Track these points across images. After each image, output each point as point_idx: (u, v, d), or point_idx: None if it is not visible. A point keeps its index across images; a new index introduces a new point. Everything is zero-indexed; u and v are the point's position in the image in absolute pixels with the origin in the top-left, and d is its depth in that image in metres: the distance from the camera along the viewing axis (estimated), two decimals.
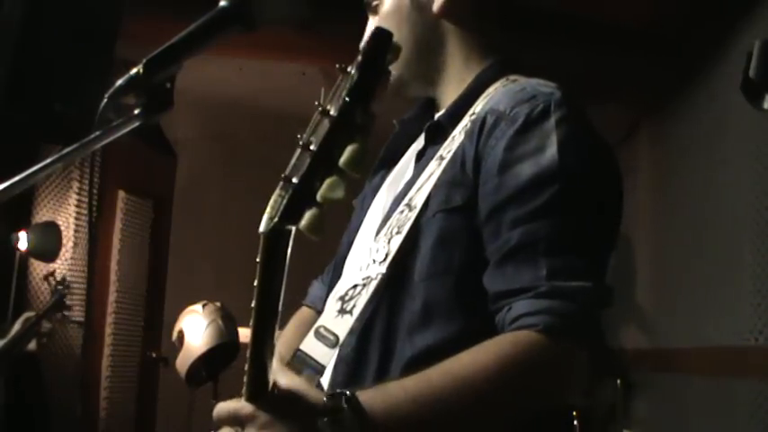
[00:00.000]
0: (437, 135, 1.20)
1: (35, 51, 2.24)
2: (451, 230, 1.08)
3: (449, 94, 1.26)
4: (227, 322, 3.59)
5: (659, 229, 4.51)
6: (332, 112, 0.73)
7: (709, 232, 3.61)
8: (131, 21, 2.58)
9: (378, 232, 1.16)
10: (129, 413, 4.62)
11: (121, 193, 4.62)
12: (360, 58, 0.78)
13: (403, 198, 1.16)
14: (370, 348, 1.10)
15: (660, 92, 4.31)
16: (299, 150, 0.79)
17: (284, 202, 0.77)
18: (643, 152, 4.95)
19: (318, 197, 0.73)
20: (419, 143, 1.28)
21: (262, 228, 0.80)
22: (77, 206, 4.11)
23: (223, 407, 0.95)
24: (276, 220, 0.78)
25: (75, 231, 4.10)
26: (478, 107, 1.16)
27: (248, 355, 0.90)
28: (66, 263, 4.04)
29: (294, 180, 0.76)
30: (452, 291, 1.06)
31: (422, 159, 1.22)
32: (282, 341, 1.43)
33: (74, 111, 2.25)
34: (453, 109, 1.21)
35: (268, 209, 0.80)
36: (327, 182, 0.73)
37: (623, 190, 1.14)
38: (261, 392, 0.90)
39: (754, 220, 3.10)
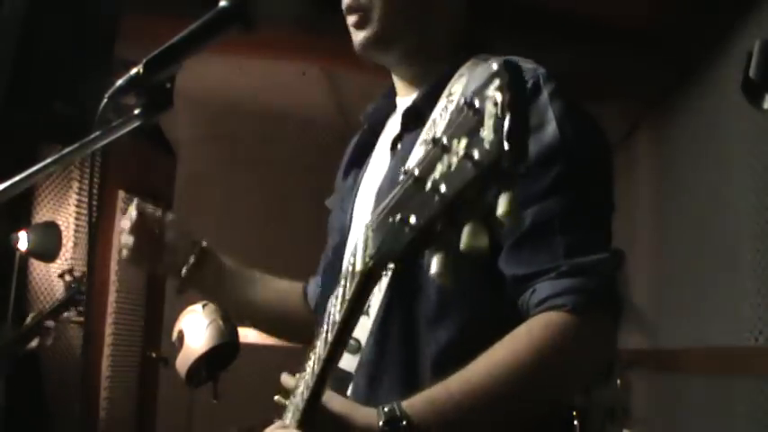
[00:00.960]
0: (415, 120, 1.17)
1: (35, 51, 2.24)
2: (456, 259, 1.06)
3: (419, 73, 1.22)
4: (227, 322, 3.59)
5: (659, 228, 4.51)
6: (476, 156, 0.57)
7: (708, 232, 3.61)
8: (131, 21, 2.58)
9: None
10: (129, 413, 4.62)
11: (121, 193, 4.62)
12: (505, 95, 0.58)
13: (385, 192, 1.10)
14: (390, 348, 1.08)
15: (660, 92, 4.31)
16: (407, 181, 0.67)
17: (401, 243, 0.66)
18: (643, 152, 4.94)
19: (463, 246, 0.61)
20: (392, 131, 1.25)
21: (360, 266, 0.75)
22: (77, 206, 4.11)
23: None
24: (393, 263, 0.70)
25: (75, 231, 4.10)
26: (454, 86, 1.14)
27: (311, 383, 0.89)
28: (66, 263, 4.04)
29: (412, 220, 0.64)
30: (467, 277, 1.05)
31: (399, 147, 1.18)
32: (282, 286, 1.51)
33: (74, 111, 2.25)
34: (430, 90, 1.17)
35: (365, 243, 0.74)
36: (470, 228, 0.60)
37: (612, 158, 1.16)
38: (312, 417, 0.88)
39: (754, 220, 3.09)
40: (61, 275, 3.64)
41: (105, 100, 0.93)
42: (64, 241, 3.72)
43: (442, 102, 1.13)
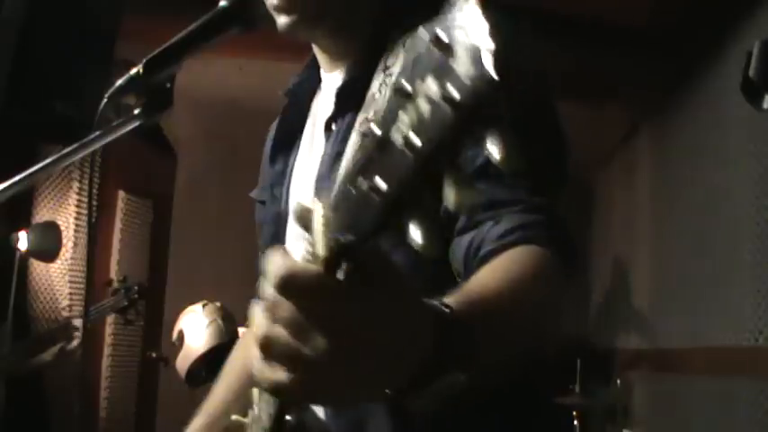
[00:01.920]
0: (349, 99, 1.07)
1: (35, 51, 2.24)
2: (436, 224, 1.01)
3: (345, 46, 1.14)
4: (227, 322, 3.59)
5: (659, 228, 4.51)
6: (453, 95, 0.47)
7: (709, 232, 3.61)
8: (131, 21, 2.58)
9: None
10: (129, 413, 4.62)
11: (121, 193, 4.62)
12: (478, 22, 0.48)
13: (324, 184, 1.06)
14: None
15: (660, 92, 4.31)
16: (367, 142, 0.56)
17: (372, 214, 0.54)
18: (643, 152, 4.94)
19: (452, 205, 0.51)
20: (323, 111, 1.16)
21: (323, 251, 0.58)
22: (77, 206, 4.11)
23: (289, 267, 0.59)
24: (351, 235, 0.56)
25: (75, 231, 4.10)
26: (390, 60, 1.08)
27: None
28: (66, 263, 4.04)
29: (382, 186, 0.52)
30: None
31: (334, 128, 1.11)
32: (231, 358, 1.38)
33: (74, 111, 2.25)
34: (361, 65, 1.09)
35: (326, 225, 0.59)
36: (452, 182, 0.50)
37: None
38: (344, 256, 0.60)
39: (754, 220, 3.09)
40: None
41: (105, 100, 0.93)
42: (64, 241, 3.72)
43: (379, 77, 1.09)
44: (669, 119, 4.36)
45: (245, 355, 1.37)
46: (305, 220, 0.62)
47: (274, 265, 0.58)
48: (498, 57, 0.46)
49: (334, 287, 0.58)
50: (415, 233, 0.51)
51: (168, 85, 0.93)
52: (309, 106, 1.23)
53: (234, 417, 1.15)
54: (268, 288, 0.58)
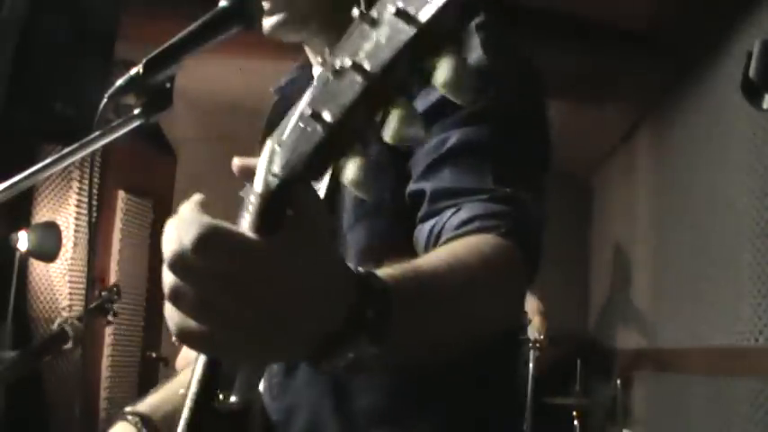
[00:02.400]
0: None
1: (35, 51, 2.24)
2: (374, 166, 0.96)
3: (334, 41, 1.13)
4: None
5: (659, 228, 4.51)
6: (411, 13, 0.47)
7: (708, 232, 3.61)
8: (131, 21, 2.58)
9: None
10: None
11: (121, 193, 4.62)
12: None
13: None
14: None
15: (660, 92, 4.31)
16: (326, 76, 0.53)
17: (309, 147, 0.52)
18: (643, 152, 4.95)
19: (389, 137, 0.49)
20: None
21: (260, 187, 0.56)
22: (77, 206, 4.11)
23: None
24: (286, 172, 0.54)
25: (75, 231, 4.10)
26: None
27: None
28: (66, 263, 4.04)
29: (326, 117, 0.51)
30: (385, 233, 0.97)
31: None
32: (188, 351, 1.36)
33: (74, 111, 2.25)
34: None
35: (269, 160, 0.56)
36: (398, 115, 0.49)
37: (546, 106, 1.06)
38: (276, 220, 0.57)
39: (754, 220, 3.09)
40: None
41: (105, 100, 0.93)
42: (64, 241, 3.73)
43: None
44: (669, 119, 4.36)
45: None
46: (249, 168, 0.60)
47: (194, 219, 0.55)
48: None
49: (257, 247, 0.55)
50: (350, 170, 0.50)
51: (168, 85, 0.93)
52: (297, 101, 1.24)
53: (181, 390, 1.14)
54: (184, 237, 0.54)
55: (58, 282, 4.05)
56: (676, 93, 4.11)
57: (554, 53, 3.66)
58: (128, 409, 1.25)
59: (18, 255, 3.44)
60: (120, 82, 0.93)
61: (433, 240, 0.88)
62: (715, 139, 3.60)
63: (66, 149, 0.91)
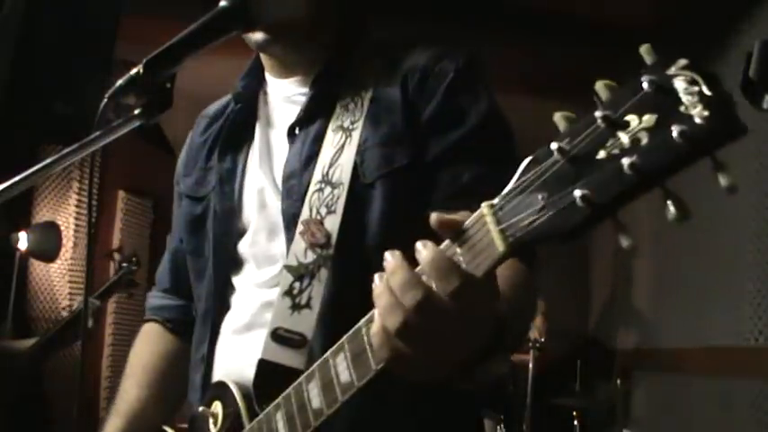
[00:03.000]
0: (319, 108, 1.15)
1: (35, 51, 2.24)
2: (399, 191, 1.08)
3: (305, 58, 1.19)
4: None
5: (659, 228, 4.51)
6: (686, 131, 0.57)
7: (709, 232, 3.61)
8: (131, 21, 2.58)
9: (288, 227, 1.12)
10: None
11: (121, 193, 4.62)
12: (698, 71, 0.62)
13: (294, 182, 1.12)
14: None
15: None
16: (557, 161, 0.65)
17: (575, 220, 0.63)
18: None
19: (670, 218, 0.61)
20: (279, 117, 1.22)
21: (501, 247, 0.69)
22: (77, 206, 4.11)
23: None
24: (527, 238, 0.67)
25: (75, 231, 4.10)
26: (362, 79, 1.15)
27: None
28: (66, 263, 4.04)
29: (592, 196, 0.62)
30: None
31: (299, 133, 1.16)
32: (136, 356, 1.40)
33: (74, 111, 2.25)
34: (330, 80, 1.16)
35: (496, 221, 0.69)
36: (674, 202, 0.60)
37: None
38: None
39: (754, 220, 3.10)
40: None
41: (105, 100, 0.93)
42: (64, 241, 3.73)
43: (349, 92, 1.15)
44: None
45: (152, 350, 1.39)
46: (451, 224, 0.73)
47: (452, 269, 0.71)
48: (731, 105, 0.58)
49: (484, 283, 0.71)
50: (624, 240, 0.63)
51: (168, 85, 0.93)
52: (255, 109, 1.27)
53: (201, 408, 1.15)
54: (442, 285, 0.71)
55: (57, 282, 4.05)
56: None
57: (555, 53, 3.67)
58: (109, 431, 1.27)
59: (18, 255, 3.44)
60: (120, 82, 0.92)
61: None
62: None
63: (66, 149, 0.91)
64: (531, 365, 4.05)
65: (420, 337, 0.71)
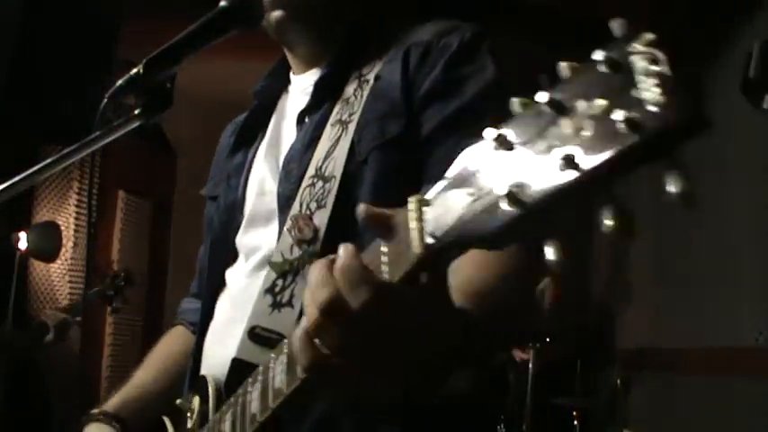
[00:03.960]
0: (327, 92, 1.15)
1: (35, 52, 2.24)
2: (391, 166, 1.03)
3: (319, 50, 1.20)
4: None
5: (659, 228, 4.51)
6: (637, 119, 0.46)
7: (709, 232, 3.61)
8: (131, 21, 2.58)
9: (282, 210, 1.10)
10: None
11: (121, 193, 4.62)
12: (662, 50, 0.49)
13: (293, 165, 1.11)
14: None
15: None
16: (493, 151, 0.54)
17: (495, 224, 0.53)
18: None
19: (605, 228, 0.52)
20: (293, 106, 1.22)
21: (417, 248, 0.60)
22: (77, 206, 4.11)
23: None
24: (451, 239, 0.57)
25: (75, 231, 4.10)
26: (365, 69, 1.14)
27: (259, 416, 0.85)
28: (66, 263, 4.04)
29: (523, 197, 0.51)
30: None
31: (307, 120, 1.16)
32: (155, 352, 1.40)
33: (74, 111, 2.25)
34: (340, 66, 1.16)
35: (418, 220, 0.60)
36: (614, 209, 0.51)
37: None
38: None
39: (754, 220, 3.10)
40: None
41: (105, 100, 0.93)
42: (64, 241, 3.73)
43: (354, 82, 1.13)
44: None
45: (171, 349, 1.39)
46: (381, 218, 0.65)
47: (363, 279, 0.63)
48: (693, 91, 0.46)
49: (398, 291, 0.63)
50: (552, 250, 0.52)
51: (168, 85, 0.93)
52: (274, 106, 1.27)
53: (178, 401, 1.15)
54: (352, 296, 0.63)
55: (58, 282, 4.05)
56: None
57: (554, 53, 3.66)
58: (95, 411, 1.26)
59: (18, 255, 3.44)
60: (120, 82, 0.92)
61: None
62: (715, 140, 3.60)
63: (67, 149, 0.91)
64: (531, 365, 4.04)
65: (336, 343, 0.64)
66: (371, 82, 1.11)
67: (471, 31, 1.10)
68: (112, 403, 1.29)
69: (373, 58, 1.14)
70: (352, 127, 1.07)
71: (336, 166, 1.05)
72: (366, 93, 1.10)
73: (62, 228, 3.74)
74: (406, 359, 0.66)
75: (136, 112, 0.91)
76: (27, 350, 3.21)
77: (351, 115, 1.09)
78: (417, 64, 1.08)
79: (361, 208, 0.66)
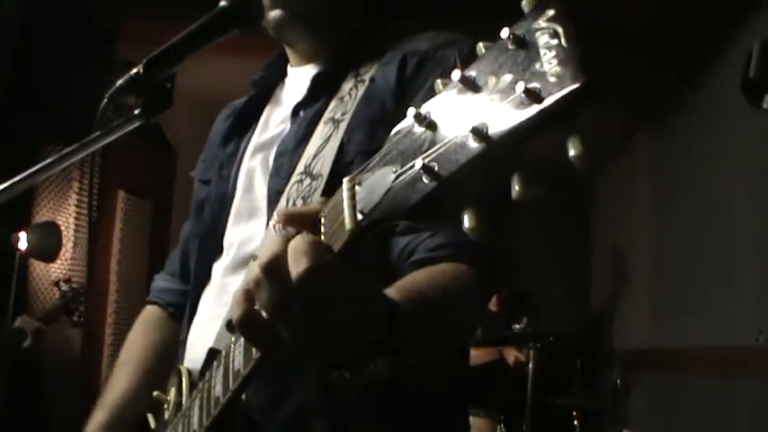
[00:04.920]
0: (324, 87, 1.16)
1: (35, 52, 2.24)
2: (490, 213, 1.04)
3: (319, 45, 1.21)
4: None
5: (659, 228, 4.51)
6: (538, 91, 0.49)
7: (708, 232, 3.61)
8: (131, 21, 2.59)
9: (270, 203, 1.11)
10: None
11: (121, 193, 4.62)
12: (564, 25, 0.50)
13: (284, 160, 1.12)
14: None
15: (660, 93, 4.31)
16: (413, 127, 0.58)
17: (416, 196, 0.57)
18: (643, 152, 4.95)
19: (514, 195, 0.52)
20: (289, 97, 1.23)
21: (349, 223, 0.64)
22: (77, 206, 4.11)
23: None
24: (378, 214, 0.60)
25: (75, 231, 4.10)
26: (363, 69, 1.14)
27: (222, 397, 0.86)
28: (66, 263, 4.04)
29: (437, 169, 0.55)
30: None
31: (302, 114, 1.17)
32: (131, 344, 1.36)
33: (74, 111, 2.25)
34: (338, 62, 1.17)
35: (350, 197, 0.64)
36: (522, 175, 0.51)
37: None
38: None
39: (754, 220, 3.10)
40: (56, 283, 3.70)
41: (105, 100, 0.93)
42: (64, 241, 3.73)
43: (350, 81, 1.14)
44: (669, 119, 4.36)
45: (148, 339, 1.37)
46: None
47: (307, 250, 0.64)
48: (587, 60, 0.49)
49: (336, 265, 0.64)
50: (468, 219, 0.55)
51: (168, 85, 0.93)
52: (270, 96, 1.28)
53: (155, 393, 1.15)
54: (273, 247, 0.65)
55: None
56: (676, 93, 4.11)
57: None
58: (91, 425, 1.26)
59: (18, 255, 3.44)
60: (120, 82, 0.92)
61: (406, 255, 0.99)
62: (715, 139, 3.60)
63: (67, 149, 0.91)
64: (531, 365, 4.05)
65: (270, 301, 0.66)
66: (367, 82, 1.12)
67: (468, 47, 1.09)
68: (99, 422, 1.29)
69: (371, 59, 1.15)
70: (343, 126, 1.08)
71: (325, 164, 1.06)
72: (360, 93, 1.11)
73: (62, 228, 3.74)
74: (329, 334, 0.67)
75: (136, 112, 0.91)
76: (12, 354, 3.23)
77: (343, 114, 1.10)
78: (413, 73, 1.09)
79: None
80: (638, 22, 3.72)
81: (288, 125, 1.19)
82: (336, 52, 1.18)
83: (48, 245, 3.50)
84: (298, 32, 1.20)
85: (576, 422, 4.10)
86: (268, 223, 1.09)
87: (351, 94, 1.12)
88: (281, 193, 1.09)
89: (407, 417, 1.04)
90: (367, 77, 1.12)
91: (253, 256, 1.07)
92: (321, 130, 1.11)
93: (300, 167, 1.09)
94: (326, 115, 1.12)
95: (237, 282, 1.10)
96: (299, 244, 0.65)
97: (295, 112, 1.18)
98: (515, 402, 4.00)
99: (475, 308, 1.01)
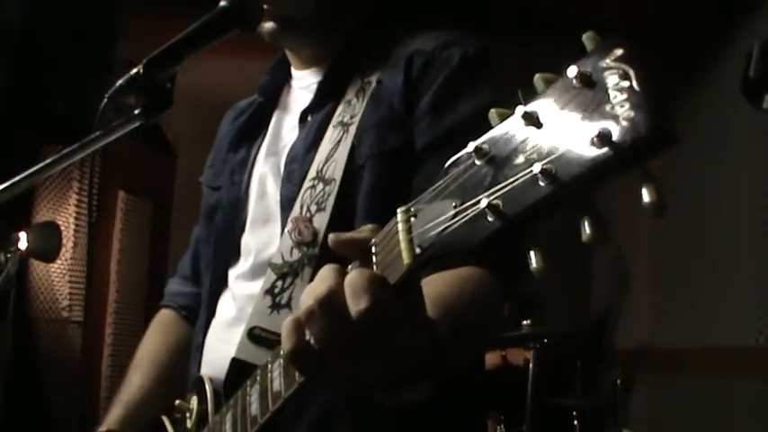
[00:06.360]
0: (330, 92, 1.16)
1: (35, 52, 2.24)
2: (387, 175, 1.04)
3: (321, 50, 1.21)
4: None
5: (659, 228, 4.51)
6: (612, 136, 0.47)
7: (709, 232, 3.61)
8: (131, 21, 2.58)
9: (283, 210, 1.11)
10: None
11: (121, 193, 4.62)
12: (634, 66, 0.50)
13: (295, 166, 1.12)
14: None
15: (660, 93, 4.30)
16: (475, 162, 0.56)
17: (481, 234, 0.55)
18: None
19: (585, 238, 0.51)
20: (296, 103, 1.23)
21: (406, 258, 0.62)
22: (77, 206, 4.11)
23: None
24: (437, 250, 0.59)
25: (75, 231, 4.10)
26: (369, 71, 1.14)
27: (260, 418, 0.86)
28: (66, 263, 4.04)
29: (503, 208, 0.53)
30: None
31: (309, 119, 1.17)
32: (146, 345, 1.37)
33: (74, 111, 2.25)
34: (343, 67, 1.17)
35: (406, 229, 0.62)
36: (590, 219, 0.51)
37: None
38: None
39: (755, 220, 3.10)
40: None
41: (105, 100, 0.93)
42: (64, 241, 3.72)
43: (356, 84, 1.14)
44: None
45: (162, 340, 1.37)
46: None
47: (367, 288, 0.64)
48: (662, 107, 0.48)
49: (394, 302, 0.65)
50: (535, 259, 0.54)
51: (168, 85, 0.93)
52: (277, 101, 1.28)
53: (177, 402, 1.15)
54: (328, 280, 0.65)
55: (57, 282, 4.05)
56: (676, 93, 4.11)
57: (553, 53, 3.66)
58: (102, 429, 1.26)
59: (18, 255, 3.44)
60: (120, 82, 0.92)
61: None
62: (715, 139, 3.60)
63: (67, 149, 0.91)
64: (531, 365, 4.04)
65: (323, 334, 0.66)
66: (373, 85, 1.12)
67: (474, 46, 1.11)
68: (116, 418, 1.28)
69: (376, 62, 1.15)
70: (352, 130, 1.08)
71: (337, 168, 1.06)
72: (367, 96, 1.11)
73: (62, 228, 3.73)
74: (379, 364, 0.68)
75: (136, 112, 0.91)
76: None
77: (352, 117, 1.10)
78: (419, 74, 1.09)
79: (330, 238, 0.70)
80: (639, 22, 3.72)
81: (296, 131, 1.19)
82: (339, 56, 1.18)
83: (48, 245, 3.50)
84: (293, 42, 1.21)
85: (575, 422, 4.09)
86: (282, 230, 1.09)
87: (358, 96, 1.12)
88: (293, 199, 1.10)
89: (430, 423, 1.03)
90: (373, 79, 1.12)
91: (270, 264, 1.08)
92: (330, 134, 1.11)
93: (312, 173, 1.09)
94: (335, 119, 1.12)
95: (256, 288, 1.10)
96: (358, 279, 0.64)
97: (303, 118, 1.18)
98: (515, 402, 4.00)
99: (497, 315, 1.03)
